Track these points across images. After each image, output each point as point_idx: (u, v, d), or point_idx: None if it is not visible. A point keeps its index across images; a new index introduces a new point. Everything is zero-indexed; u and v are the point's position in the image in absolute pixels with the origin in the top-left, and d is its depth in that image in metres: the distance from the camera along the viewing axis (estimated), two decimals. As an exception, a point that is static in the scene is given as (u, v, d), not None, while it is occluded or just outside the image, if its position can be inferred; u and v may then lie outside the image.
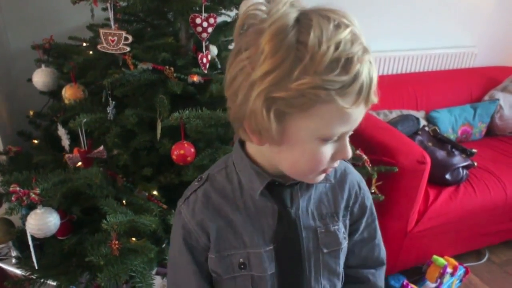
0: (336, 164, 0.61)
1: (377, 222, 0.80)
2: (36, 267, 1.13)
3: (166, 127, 1.13)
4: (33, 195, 1.01)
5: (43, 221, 1.03)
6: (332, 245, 0.71)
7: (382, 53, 2.42)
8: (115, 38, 1.16)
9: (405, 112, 2.25)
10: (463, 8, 2.60)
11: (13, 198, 1.00)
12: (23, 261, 1.24)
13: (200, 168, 1.14)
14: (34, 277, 1.19)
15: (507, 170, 2.05)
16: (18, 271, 1.27)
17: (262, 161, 0.64)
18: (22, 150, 1.45)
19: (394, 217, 1.69)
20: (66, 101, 1.30)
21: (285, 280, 0.69)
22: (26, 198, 1.00)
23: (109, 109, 1.21)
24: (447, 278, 1.80)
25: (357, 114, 0.54)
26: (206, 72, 1.23)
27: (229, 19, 1.46)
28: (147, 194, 1.18)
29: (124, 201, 1.15)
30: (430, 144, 2.02)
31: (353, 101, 0.51)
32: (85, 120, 1.12)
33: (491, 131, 2.53)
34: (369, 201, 0.77)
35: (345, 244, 0.73)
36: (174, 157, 1.10)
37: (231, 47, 1.63)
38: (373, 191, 1.39)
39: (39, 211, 1.04)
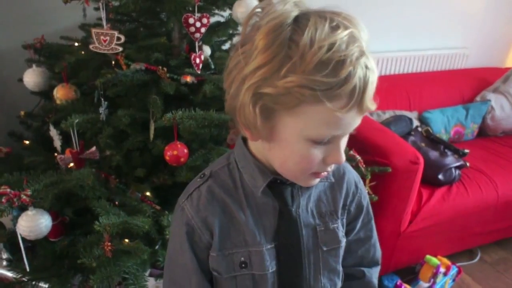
0: (330, 168, 0.61)
1: (373, 222, 0.80)
2: (28, 270, 1.12)
3: (159, 127, 1.13)
4: (24, 197, 1.00)
5: (34, 223, 1.02)
6: (331, 243, 0.71)
7: (375, 54, 2.43)
8: (108, 38, 1.15)
9: (398, 112, 2.27)
10: (455, 10, 2.62)
11: (3, 200, 0.98)
12: (14, 263, 1.22)
13: (194, 169, 1.14)
14: (26, 280, 1.18)
15: (499, 170, 2.07)
16: (9, 274, 1.25)
17: (261, 158, 0.64)
18: (13, 151, 1.44)
19: (387, 217, 1.70)
20: (58, 102, 1.29)
21: (285, 278, 0.69)
22: (17, 200, 0.99)
23: (101, 110, 1.20)
24: (440, 277, 1.81)
25: (349, 118, 0.53)
26: (199, 72, 1.23)
27: (222, 19, 1.45)
28: (140, 195, 1.17)
29: (117, 202, 1.15)
30: (423, 144, 2.03)
31: (343, 104, 0.50)
32: (77, 120, 1.11)
33: (483, 132, 2.55)
34: (366, 201, 0.77)
35: (344, 242, 0.73)
36: (167, 158, 1.10)
37: (224, 47, 1.63)
38: (366, 191, 1.40)
39: (30, 212, 1.03)
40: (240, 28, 1.51)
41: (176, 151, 1.09)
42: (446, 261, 1.82)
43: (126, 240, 1.08)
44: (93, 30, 1.15)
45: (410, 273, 1.91)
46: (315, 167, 0.58)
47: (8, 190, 0.99)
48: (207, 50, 1.39)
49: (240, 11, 1.18)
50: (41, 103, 1.52)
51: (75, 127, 1.11)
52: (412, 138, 2.04)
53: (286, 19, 0.50)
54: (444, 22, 2.62)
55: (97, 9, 1.33)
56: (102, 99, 1.20)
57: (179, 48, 1.33)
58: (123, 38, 1.16)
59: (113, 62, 1.24)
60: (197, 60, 1.22)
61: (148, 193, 1.19)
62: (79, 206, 1.15)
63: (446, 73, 2.71)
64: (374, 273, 0.83)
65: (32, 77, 1.38)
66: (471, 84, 2.61)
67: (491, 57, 2.92)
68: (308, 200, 0.69)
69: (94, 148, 1.15)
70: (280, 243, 0.67)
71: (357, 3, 2.28)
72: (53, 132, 1.23)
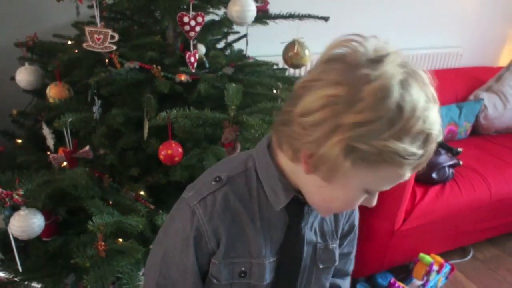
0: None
1: (356, 239, 0.83)
2: (20, 270, 1.11)
3: (154, 126, 1.12)
4: (17, 196, 0.99)
5: (26, 223, 1.01)
6: (327, 262, 0.75)
7: (370, 52, 2.42)
8: (101, 36, 1.14)
9: (392, 111, 2.27)
10: (449, 9, 2.63)
11: (-5, 200, 0.98)
12: (6, 263, 1.21)
13: (188, 168, 1.14)
14: (18, 280, 1.17)
15: (492, 169, 2.08)
16: (1, 274, 1.24)
17: (291, 177, 0.64)
18: (5, 150, 1.42)
19: (381, 216, 1.71)
20: (51, 100, 1.28)
21: None
22: (9, 200, 0.98)
23: (95, 109, 1.19)
24: (433, 275, 1.82)
25: (407, 177, 0.56)
26: (193, 71, 1.22)
27: (217, 18, 1.45)
28: (134, 194, 1.16)
29: (110, 202, 1.14)
30: (416, 143, 2.04)
31: (413, 169, 0.55)
32: (70, 119, 1.10)
33: (476, 131, 2.57)
34: (357, 221, 0.80)
35: (338, 261, 0.77)
36: (161, 157, 1.09)
37: (219, 46, 1.62)
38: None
39: (22, 212, 1.02)
40: (235, 27, 1.51)
41: (170, 150, 1.09)
42: (439, 259, 1.84)
43: (120, 240, 1.08)
44: (87, 28, 1.14)
45: (404, 271, 1.92)
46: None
47: (0, 189, 0.98)
48: (201, 49, 1.38)
49: (234, 10, 1.17)
50: (33, 101, 1.50)
51: (69, 126, 1.10)
52: (406, 137, 2.04)
53: (394, 81, 0.50)
54: (439, 21, 2.64)
55: (90, 7, 1.31)
56: (96, 98, 1.19)
57: (174, 47, 1.32)
58: (117, 37, 1.15)
59: (106, 61, 1.23)
60: (192, 59, 1.21)
61: (142, 192, 1.19)
62: (73, 205, 1.14)
63: (440, 72, 2.72)
64: (347, 285, 0.88)
65: (24, 76, 1.37)
66: (465, 83, 2.62)
67: (485, 56, 2.94)
68: (315, 218, 0.71)
69: (87, 147, 1.14)
70: (283, 257, 0.69)
71: (350, 2, 2.29)
72: (46, 131, 1.22)
